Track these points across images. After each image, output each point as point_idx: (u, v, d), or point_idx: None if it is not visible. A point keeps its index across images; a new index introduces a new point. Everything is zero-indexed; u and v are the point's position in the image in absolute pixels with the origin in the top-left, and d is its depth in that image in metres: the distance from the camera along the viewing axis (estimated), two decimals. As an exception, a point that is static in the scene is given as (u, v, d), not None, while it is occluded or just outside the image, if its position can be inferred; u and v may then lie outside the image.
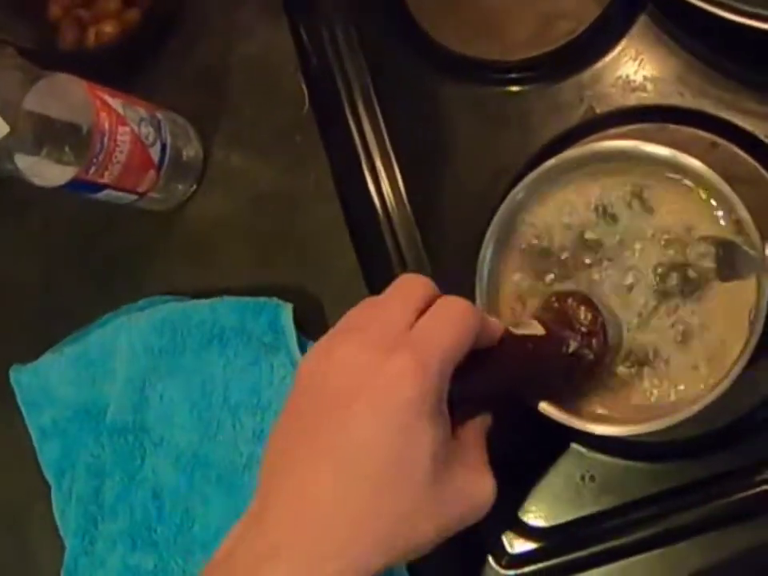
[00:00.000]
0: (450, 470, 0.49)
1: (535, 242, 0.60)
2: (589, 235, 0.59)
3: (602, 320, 0.56)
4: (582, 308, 0.56)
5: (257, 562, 0.47)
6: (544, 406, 0.57)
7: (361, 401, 0.48)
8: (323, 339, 0.52)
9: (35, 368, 0.74)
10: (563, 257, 0.59)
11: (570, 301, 0.56)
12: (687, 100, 0.62)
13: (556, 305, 0.56)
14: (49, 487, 0.74)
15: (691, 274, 0.56)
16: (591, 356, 0.55)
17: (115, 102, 0.65)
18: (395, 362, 0.47)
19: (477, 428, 0.54)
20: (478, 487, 0.51)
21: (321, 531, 0.47)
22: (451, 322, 0.50)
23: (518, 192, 0.59)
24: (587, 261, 0.58)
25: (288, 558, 0.47)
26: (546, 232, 0.60)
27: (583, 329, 0.55)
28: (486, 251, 0.60)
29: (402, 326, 0.49)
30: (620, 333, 0.58)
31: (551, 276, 0.59)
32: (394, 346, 0.48)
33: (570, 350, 0.55)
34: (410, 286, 0.52)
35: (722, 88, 0.61)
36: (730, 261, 0.55)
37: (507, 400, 0.57)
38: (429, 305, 0.51)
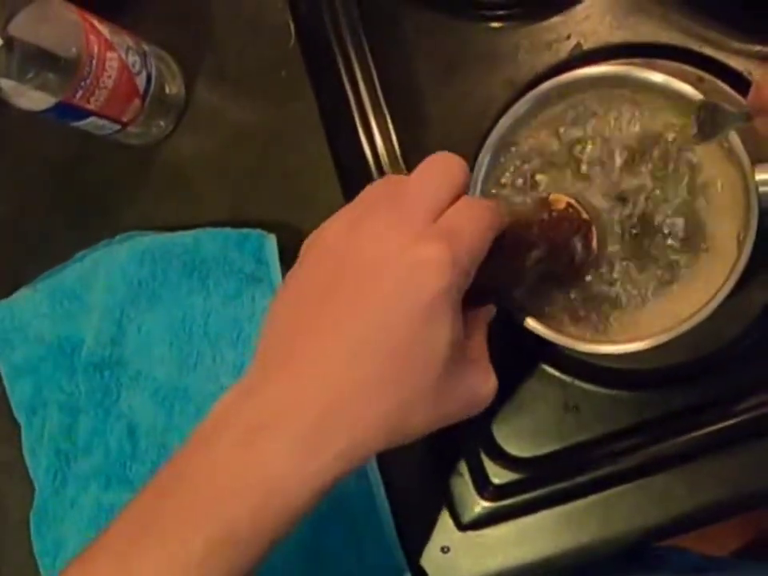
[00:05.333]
0: (461, 363, 0.50)
1: (524, 163, 0.60)
2: (577, 148, 0.59)
3: (589, 221, 0.57)
4: (575, 206, 0.57)
5: (252, 432, 0.47)
6: (530, 322, 0.57)
7: (387, 280, 0.47)
8: (345, 211, 0.52)
9: (8, 304, 0.72)
10: (552, 170, 0.60)
11: (563, 200, 0.57)
12: (674, 38, 0.63)
13: (552, 206, 0.57)
14: (17, 430, 0.73)
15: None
16: (584, 250, 0.57)
17: (103, 28, 0.65)
18: (428, 249, 0.47)
19: (482, 323, 0.54)
20: (482, 383, 0.52)
21: (328, 406, 0.46)
22: (480, 220, 0.50)
23: (512, 112, 0.59)
24: (577, 171, 0.59)
25: (288, 429, 0.46)
26: (536, 151, 0.60)
27: (577, 223, 0.57)
28: (478, 174, 0.60)
29: (434, 211, 0.49)
30: (606, 240, 0.59)
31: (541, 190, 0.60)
32: (427, 232, 0.48)
33: (570, 236, 0.57)
34: (448, 169, 0.51)
35: (707, 27, 0.62)
36: (711, 120, 0.55)
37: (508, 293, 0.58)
38: (457, 196, 0.51)
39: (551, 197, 0.58)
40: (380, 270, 0.47)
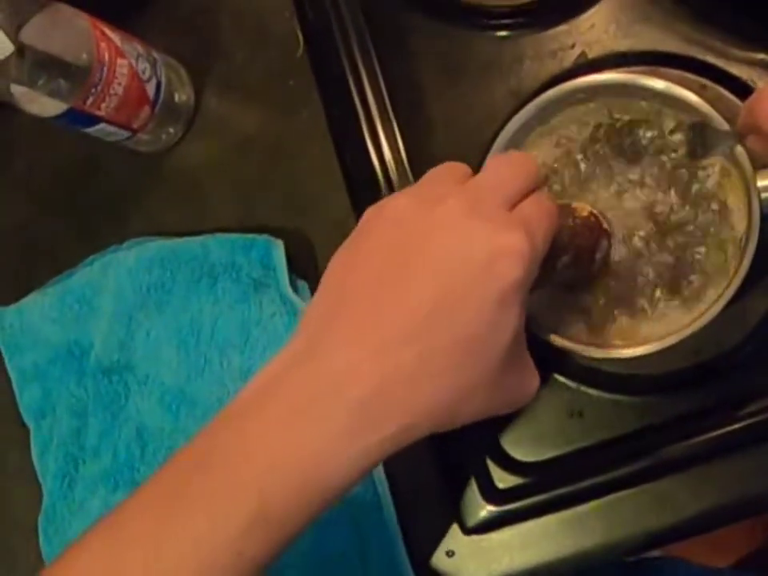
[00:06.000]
0: (517, 357, 0.50)
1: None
2: (580, 157, 0.60)
3: (609, 231, 0.58)
4: (597, 215, 0.58)
5: (295, 409, 0.45)
6: (537, 328, 0.58)
7: (463, 263, 0.46)
8: (414, 189, 0.51)
9: (18, 309, 0.73)
10: (556, 181, 0.60)
11: (586, 208, 0.58)
12: (677, 46, 0.63)
13: (576, 213, 0.57)
14: (26, 434, 0.74)
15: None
16: (602, 258, 0.57)
17: (114, 36, 0.66)
18: (510, 238, 0.46)
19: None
20: (530, 379, 0.52)
21: (380, 386, 0.45)
22: (551, 216, 0.50)
23: (517, 120, 0.60)
24: (581, 180, 0.59)
25: (334, 408, 0.45)
26: (540, 159, 0.60)
27: (598, 231, 0.57)
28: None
29: (510, 201, 0.49)
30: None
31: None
32: (506, 220, 0.47)
33: (592, 243, 0.57)
34: (524, 163, 0.52)
35: (710, 35, 0.63)
36: (701, 140, 0.56)
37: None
38: (531, 190, 0.51)
39: (574, 204, 0.58)
40: (455, 252, 0.46)
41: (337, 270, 0.50)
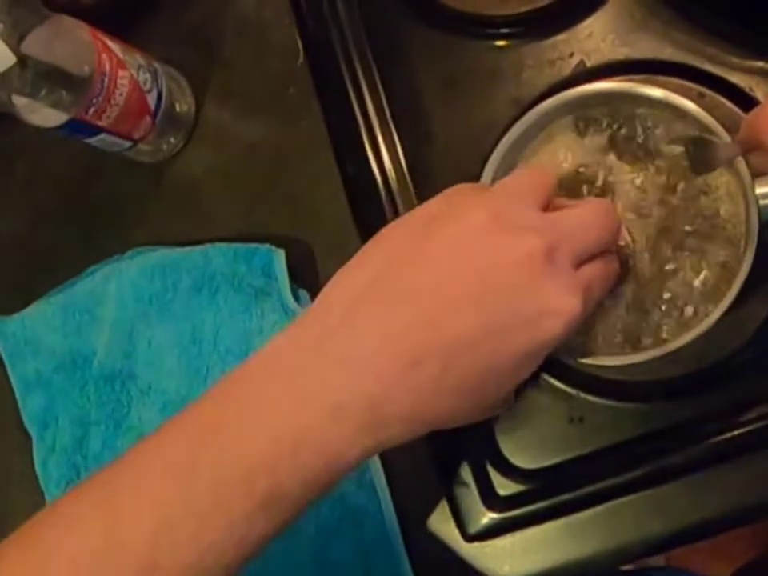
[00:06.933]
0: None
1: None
2: (582, 169, 0.60)
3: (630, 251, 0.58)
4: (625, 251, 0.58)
5: (304, 386, 0.46)
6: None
7: (517, 310, 0.46)
8: (487, 199, 0.49)
9: (21, 318, 0.73)
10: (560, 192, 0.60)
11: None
12: (674, 54, 0.63)
13: None
14: (28, 442, 0.74)
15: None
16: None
17: (115, 47, 0.66)
18: (568, 303, 0.46)
19: None
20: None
21: (409, 391, 0.46)
22: (611, 279, 0.52)
23: (516, 129, 0.60)
24: (584, 192, 0.60)
25: (348, 391, 0.45)
26: (540, 167, 0.61)
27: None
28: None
29: (581, 259, 0.49)
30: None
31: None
32: (571, 283, 0.47)
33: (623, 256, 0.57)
34: (610, 224, 0.52)
35: (707, 43, 0.63)
36: (701, 156, 0.56)
37: None
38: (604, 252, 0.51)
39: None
40: (511, 295, 0.46)
41: (386, 253, 0.49)
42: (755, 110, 0.52)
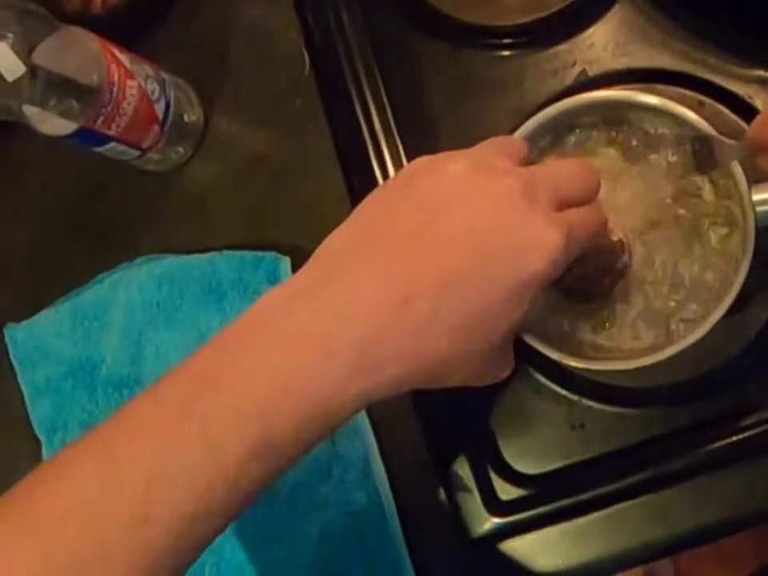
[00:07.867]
0: (507, 342, 0.53)
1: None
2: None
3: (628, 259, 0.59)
4: (624, 243, 0.59)
5: (297, 340, 0.46)
6: (530, 338, 0.58)
7: (499, 239, 0.47)
8: (469, 153, 0.52)
9: (30, 325, 0.74)
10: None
11: (618, 234, 0.59)
12: (674, 63, 0.64)
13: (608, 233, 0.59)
14: (37, 447, 0.75)
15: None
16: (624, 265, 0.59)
17: (124, 57, 0.67)
18: (551, 235, 0.47)
19: None
20: (507, 365, 0.56)
21: (405, 330, 0.46)
22: (593, 229, 0.52)
23: (519, 136, 0.60)
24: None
25: (339, 342, 0.45)
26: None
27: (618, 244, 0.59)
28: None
29: (563, 203, 0.50)
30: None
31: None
32: (554, 217, 0.49)
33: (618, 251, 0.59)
34: (590, 177, 0.53)
35: (706, 52, 0.64)
36: (707, 154, 0.57)
37: None
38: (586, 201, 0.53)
39: (610, 224, 0.59)
40: (498, 230, 0.47)
41: (375, 207, 0.51)
42: (767, 111, 0.53)
